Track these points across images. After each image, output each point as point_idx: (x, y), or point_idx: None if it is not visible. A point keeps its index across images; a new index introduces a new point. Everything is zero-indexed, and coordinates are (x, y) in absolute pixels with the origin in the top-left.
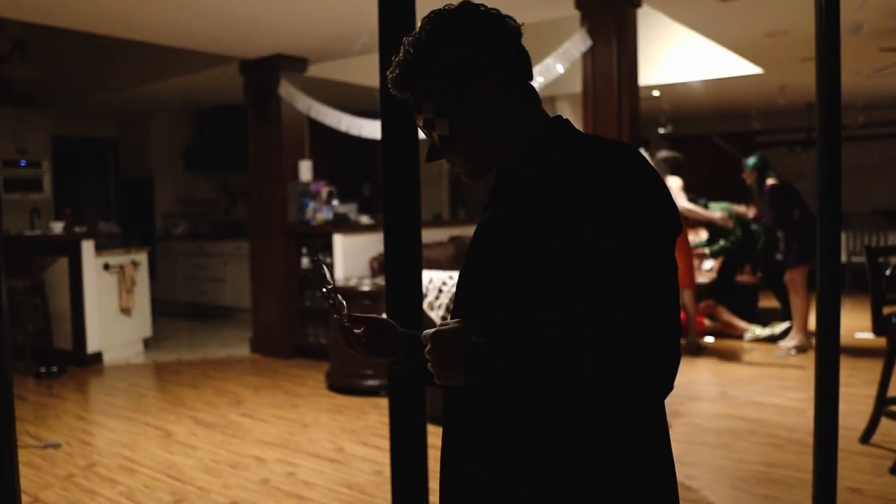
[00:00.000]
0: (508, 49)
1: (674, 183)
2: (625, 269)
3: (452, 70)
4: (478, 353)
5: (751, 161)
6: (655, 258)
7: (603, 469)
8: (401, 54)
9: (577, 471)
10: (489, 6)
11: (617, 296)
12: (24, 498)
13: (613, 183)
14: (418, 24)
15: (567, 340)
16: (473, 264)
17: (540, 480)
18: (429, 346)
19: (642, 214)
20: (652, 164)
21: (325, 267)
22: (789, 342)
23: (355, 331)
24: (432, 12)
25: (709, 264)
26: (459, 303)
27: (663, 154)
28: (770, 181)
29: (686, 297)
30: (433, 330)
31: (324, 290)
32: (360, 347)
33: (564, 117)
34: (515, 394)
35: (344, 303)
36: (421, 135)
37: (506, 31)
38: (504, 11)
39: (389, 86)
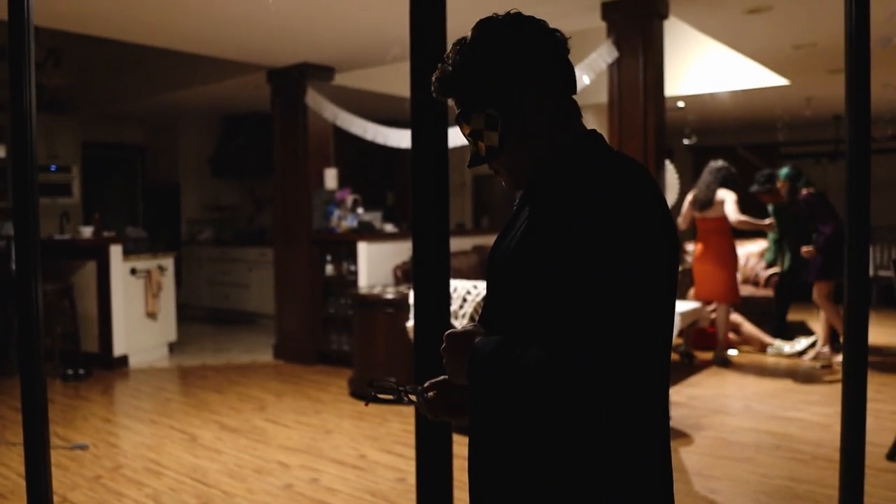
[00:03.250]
0: (556, 62)
1: (729, 197)
2: (600, 295)
3: (504, 83)
4: (474, 354)
5: (784, 171)
6: (636, 291)
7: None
8: (451, 59)
9: (576, 480)
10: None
11: (581, 319)
12: (53, 498)
13: (619, 215)
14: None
15: (534, 353)
16: (501, 267)
17: (552, 488)
18: (443, 346)
19: (640, 247)
20: (670, 173)
21: (373, 389)
22: (814, 356)
23: (429, 395)
24: (483, 21)
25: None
26: (486, 305)
27: (718, 164)
28: (805, 190)
29: (721, 311)
30: (449, 331)
31: (394, 396)
32: (440, 413)
33: (598, 132)
34: (505, 400)
35: (414, 389)
36: (456, 142)
37: (554, 44)
38: None
39: (434, 86)
